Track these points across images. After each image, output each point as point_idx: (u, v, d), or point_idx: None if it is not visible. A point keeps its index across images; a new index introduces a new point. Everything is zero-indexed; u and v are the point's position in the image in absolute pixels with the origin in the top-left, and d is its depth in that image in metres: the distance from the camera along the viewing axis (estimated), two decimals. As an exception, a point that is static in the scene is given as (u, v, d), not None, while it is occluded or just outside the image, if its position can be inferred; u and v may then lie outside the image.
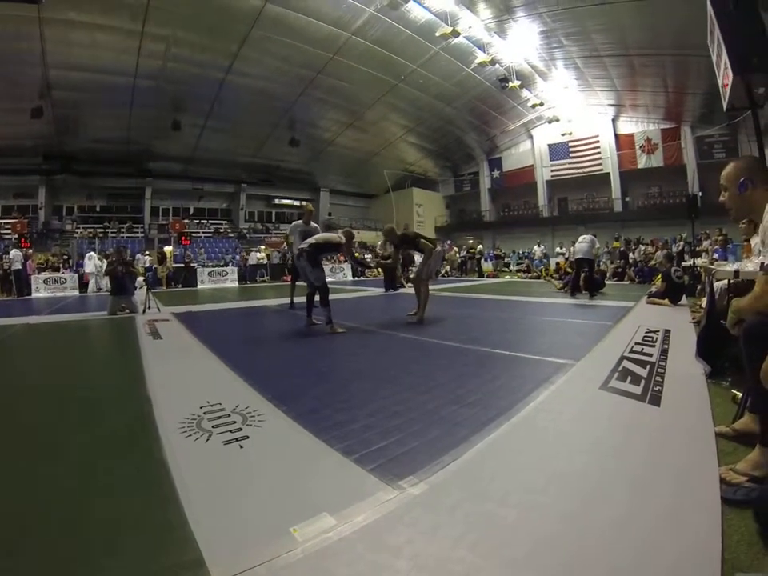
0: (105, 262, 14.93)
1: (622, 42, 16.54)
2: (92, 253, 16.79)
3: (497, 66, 19.74)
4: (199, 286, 18.04)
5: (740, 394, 2.34)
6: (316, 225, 7.91)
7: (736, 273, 3.24)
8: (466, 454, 1.91)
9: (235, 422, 2.32)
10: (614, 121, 24.18)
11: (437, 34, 17.20)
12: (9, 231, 19.63)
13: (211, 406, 2.59)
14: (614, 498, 1.56)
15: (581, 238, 9.54)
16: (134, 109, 19.65)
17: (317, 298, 5.61)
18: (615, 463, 1.84)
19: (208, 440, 2.12)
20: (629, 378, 3.02)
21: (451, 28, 16.67)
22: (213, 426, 2.28)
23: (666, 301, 7.47)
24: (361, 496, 1.58)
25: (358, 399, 2.74)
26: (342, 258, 23.67)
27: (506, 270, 22.06)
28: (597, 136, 24.81)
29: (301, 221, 7.85)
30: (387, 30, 17.24)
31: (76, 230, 23.10)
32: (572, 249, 10.67)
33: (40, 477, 1.85)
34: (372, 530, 1.39)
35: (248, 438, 2.13)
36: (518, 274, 19.37)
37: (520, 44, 18.43)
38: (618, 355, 3.63)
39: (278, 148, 24.85)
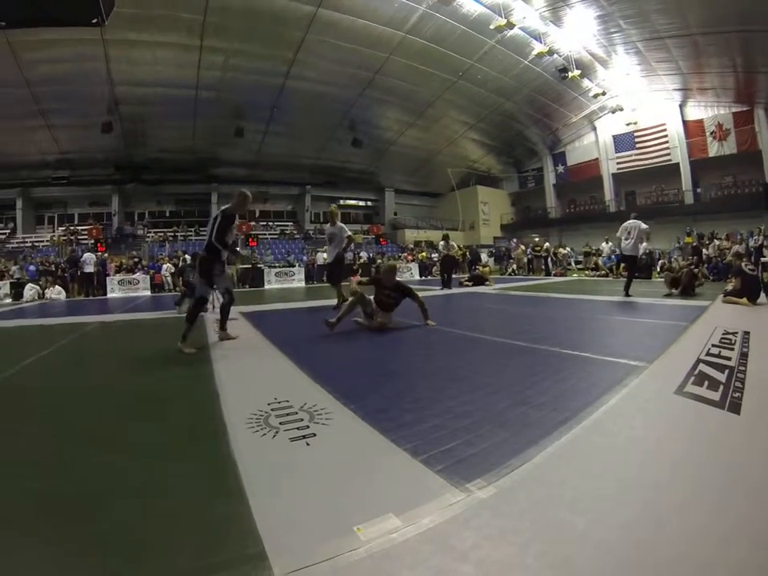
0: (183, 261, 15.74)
1: (683, 20, 15.67)
2: (168, 264, 17.83)
3: (555, 56, 19.26)
4: (266, 286, 18.56)
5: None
6: (341, 225, 7.91)
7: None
8: (536, 458, 1.83)
9: (302, 420, 2.33)
10: (681, 107, 22.74)
11: (491, 27, 17.00)
12: (86, 237, 21.13)
13: (279, 402, 2.61)
14: (687, 510, 1.44)
15: (625, 230, 8.85)
16: (197, 119, 20.73)
17: None
18: (690, 473, 1.70)
19: (275, 436, 2.13)
20: (706, 382, 2.79)
21: (505, 20, 16.43)
22: (280, 423, 2.29)
23: (744, 299, 6.91)
24: (427, 497, 1.54)
25: (425, 399, 2.69)
26: (409, 257, 23.78)
27: (571, 267, 21.19)
28: (663, 124, 23.47)
29: (329, 225, 7.96)
30: (441, 27, 17.18)
31: (147, 235, 24.55)
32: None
33: (109, 466, 1.92)
34: (437, 533, 1.35)
35: (315, 435, 2.13)
36: (586, 272, 18.64)
37: (577, 31, 17.91)
38: (694, 358, 3.38)
39: (341, 149, 25.24)
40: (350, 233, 7.94)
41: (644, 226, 8.84)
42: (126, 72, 17.20)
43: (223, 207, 4.71)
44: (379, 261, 22.72)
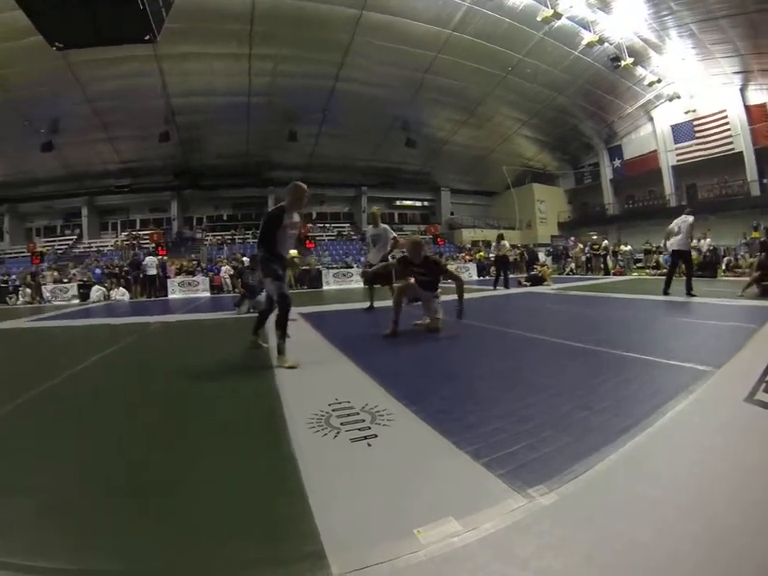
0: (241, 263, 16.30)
1: (737, -3, 14.67)
2: (227, 266, 18.45)
3: (605, 44, 18.63)
4: (324, 287, 18.82)
5: None
6: (385, 226, 7.94)
7: None
8: (599, 465, 1.78)
9: (364, 421, 2.34)
10: (741, 91, 21.33)
11: (538, 19, 16.68)
12: (147, 241, 22.24)
13: (339, 403, 2.63)
14: (757, 523, 1.38)
15: (676, 226, 8.43)
16: (250, 124, 21.42)
17: None
18: (761, 486, 1.61)
19: (336, 437, 2.15)
20: (779, 390, 2.64)
21: (552, 10, 16.11)
22: (341, 423, 2.31)
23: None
24: (489, 502, 1.53)
25: (486, 401, 2.67)
26: (466, 257, 23.59)
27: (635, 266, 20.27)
28: (724, 110, 22.06)
29: (371, 226, 8.00)
30: (487, 22, 16.97)
31: (205, 238, 25.60)
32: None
33: (171, 462, 2.02)
34: (498, 539, 1.33)
35: (376, 436, 2.14)
36: (647, 271, 17.87)
37: (627, 17, 17.25)
38: (765, 363, 3.18)
39: (395, 150, 25.37)
40: (394, 234, 7.90)
41: (690, 218, 8.37)
42: (180, 83, 18.07)
43: (277, 205, 4.20)
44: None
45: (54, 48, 5.72)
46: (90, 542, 1.42)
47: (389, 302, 5.51)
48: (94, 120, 19.50)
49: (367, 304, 8.01)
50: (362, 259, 21.94)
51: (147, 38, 5.67)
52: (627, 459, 1.85)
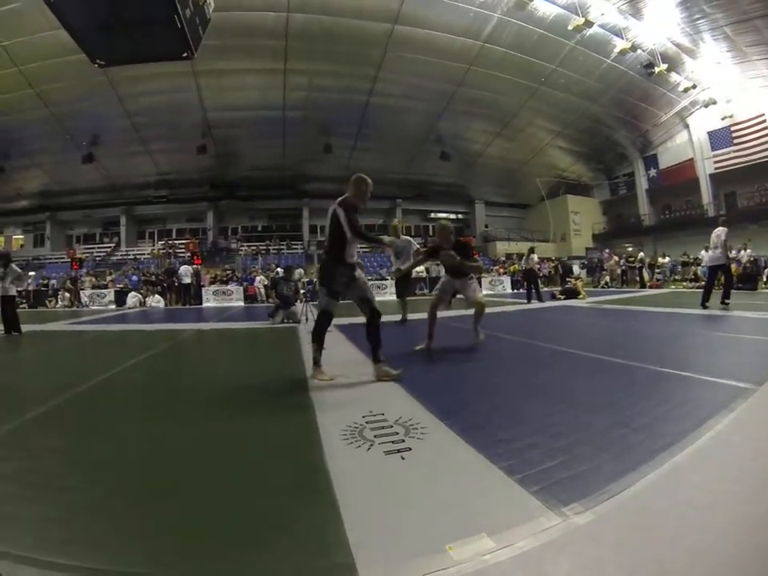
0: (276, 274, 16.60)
1: (771, -4, 14.22)
2: (261, 276, 18.76)
3: (638, 51, 18.33)
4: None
5: None
6: (408, 238, 8.16)
7: None
8: (636, 485, 1.74)
9: (398, 434, 2.33)
10: (780, 93, 20.50)
11: (569, 28, 16.55)
12: (183, 250, 22.86)
13: (373, 415, 2.64)
14: None
15: (712, 241, 8.41)
16: (286, 137, 21.94)
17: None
18: None
19: (369, 449, 2.15)
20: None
21: (583, 19, 15.94)
22: (375, 436, 2.31)
23: None
24: (522, 519, 1.51)
25: (521, 416, 2.64)
26: (500, 270, 23.39)
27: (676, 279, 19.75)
28: (763, 115, 21.30)
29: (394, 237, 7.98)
30: (518, 33, 16.96)
31: (240, 248, 26.10)
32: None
33: (202, 470, 2.06)
34: (531, 558, 1.32)
35: (410, 449, 2.13)
36: (684, 283, 17.36)
37: (659, 22, 16.96)
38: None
39: (429, 163, 25.49)
40: (417, 246, 7.89)
41: (720, 230, 8.32)
42: (217, 98, 18.66)
43: (338, 199, 3.87)
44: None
45: (96, 65, 5.95)
46: (118, 545, 1.46)
47: (422, 315, 5.54)
48: (133, 133, 20.33)
49: (399, 317, 8.07)
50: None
51: (185, 54, 5.82)
52: (665, 479, 1.81)
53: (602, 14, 16.45)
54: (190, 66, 15.36)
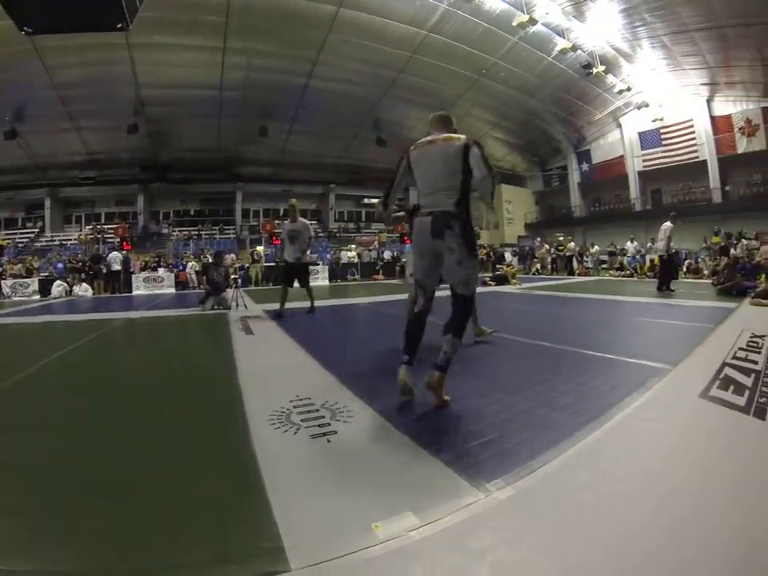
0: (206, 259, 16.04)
1: (711, 12, 15.18)
2: (193, 262, 18.17)
3: (579, 51, 18.92)
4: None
5: None
6: (305, 221, 7.32)
7: None
8: (555, 460, 1.81)
9: (324, 417, 2.35)
10: (708, 102, 21.99)
11: (514, 24, 16.81)
12: (112, 235, 21.63)
13: (300, 400, 2.64)
14: (711, 517, 1.42)
15: (659, 234, 9.40)
16: (222, 119, 21.05)
17: None
18: (713, 480, 1.67)
19: (296, 433, 2.16)
20: (731, 387, 2.72)
21: (528, 16, 16.23)
22: (302, 420, 2.32)
23: (774, 302, 6.71)
24: (446, 497, 1.54)
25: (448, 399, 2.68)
26: None
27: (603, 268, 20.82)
28: (690, 120, 22.75)
29: (288, 221, 7.20)
30: (463, 24, 17.07)
31: (172, 233, 25.07)
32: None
33: (130, 460, 1.98)
34: (455, 533, 1.35)
35: (336, 433, 2.15)
36: (611, 272, 18.34)
37: (601, 26, 17.56)
38: (720, 361, 3.30)
39: (365, 148, 25.28)
40: (312, 234, 7.46)
41: (666, 224, 9.30)
42: (152, 74, 17.59)
43: (464, 137, 2.82)
44: (404, 259, 22.85)
45: (23, 32, 5.47)
46: (41, 542, 1.38)
47: (364, 299, 5.37)
48: (61, 108, 18.80)
49: (308, 304, 7.50)
50: (328, 257, 21.80)
51: (120, 26, 5.46)
52: (584, 455, 1.88)
53: (547, 13, 16.86)
54: (124, 38, 14.44)
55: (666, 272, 9.60)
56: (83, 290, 15.53)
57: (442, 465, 1.79)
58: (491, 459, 1.84)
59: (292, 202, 7.27)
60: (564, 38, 18.03)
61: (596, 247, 20.47)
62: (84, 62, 16.19)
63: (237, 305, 8.42)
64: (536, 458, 1.82)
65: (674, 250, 9.86)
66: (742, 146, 21.23)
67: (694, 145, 22.85)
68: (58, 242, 22.98)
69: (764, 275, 7.66)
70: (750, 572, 1.18)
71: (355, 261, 22.07)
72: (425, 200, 2.69)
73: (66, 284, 15.87)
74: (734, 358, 3.43)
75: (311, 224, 28.16)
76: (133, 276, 17.35)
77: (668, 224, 9.28)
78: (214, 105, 19.91)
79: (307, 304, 7.41)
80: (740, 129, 21.11)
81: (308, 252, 7.45)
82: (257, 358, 3.92)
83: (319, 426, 2.24)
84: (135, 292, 16.77)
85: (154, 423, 2.45)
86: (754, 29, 15.28)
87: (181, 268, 18.38)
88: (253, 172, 25.89)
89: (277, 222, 23.55)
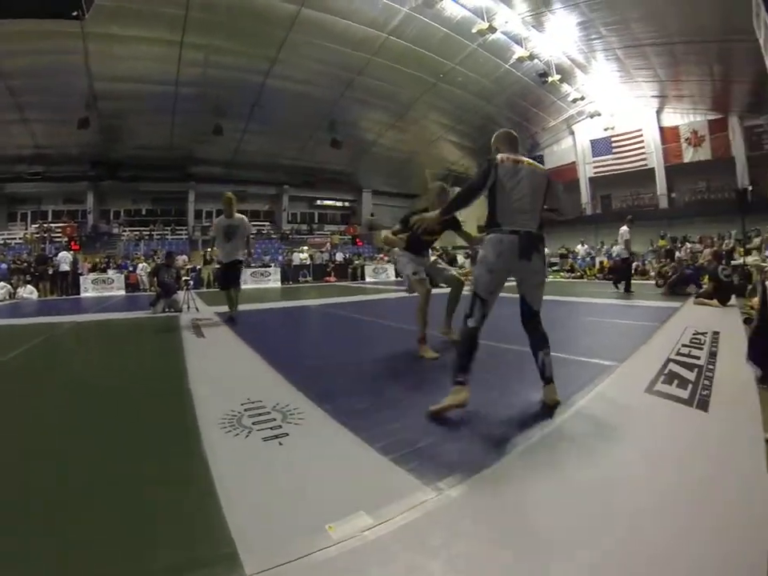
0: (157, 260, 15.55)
1: (663, 29, 15.87)
2: (144, 263, 17.60)
3: (535, 60, 19.35)
4: (242, 286, 18.00)
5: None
6: (242, 217, 6.68)
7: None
8: (506, 457, 1.87)
9: (275, 420, 2.34)
10: (657, 113, 23.06)
11: (473, 31, 17.02)
12: (60, 235, 20.64)
13: (252, 403, 2.61)
14: (658, 506, 1.49)
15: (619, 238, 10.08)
16: (176, 116, 20.38)
17: None
18: (660, 470, 1.76)
19: (248, 436, 2.14)
20: (675, 381, 2.89)
21: (488, 24, 16.46)
22: (253, 423, 2.30)
23: (715, 301, 7.11)
24: (399, 496, 1.56)
25: (397, 398, 2.72)
26: (385, 258, 23.72)
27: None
28: (640, 130, 23.78)
29: (222, 216, 6.63)
30: (424, 29, 17.17)
31: (123, 233, 24.07)
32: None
33: (80, 465, 1.91)
34: (409, 531, 1.37)
35: (288, 435, 2.14)
36: (561, 273, 18.89)
37: (558, 37, 18.01)
38: (665, 357, 3.49)
39: (320, 150, 24.99)
40: (252, 231, 6.93)
41: (622, 228, 10.09)
42: (106, 67, 16.81)
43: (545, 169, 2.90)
44: (357, 261, 22.92)
45: None
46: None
47: (318, 301, 5.29)
48: (8, 98, 17.71)
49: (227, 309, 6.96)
50: (280, 258, 21.60)
51: (75, 13, 5.21)
52: (534, 450, 1.94)
53: (506, 22, 17.16)
54: (79, 26, 13.72)
55: (628, 274, 10.04)
56: (28, 292, 14.81)
57: (393, 465, 1.81)
58: (442, 457, 1.86)
59: (228, 194, 6.67)
60: (522, 46, 18.44)
61: (546, 250, 20.98)
62: (35, 50, 15.26)
63: (188, 307, 8.29)
64: (487, 455, 1.87)
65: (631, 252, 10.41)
66: (688, 155, 22.37)
67: (643, 153, 23.89)
68: (1, 241, 21.70)
69: (707, 276, 8.09)
70: (693, 558, 1.24)
71: (307, 262, 22.01)
72: (508, 218, 2.61)
73: (9, 286, 15.05)
74: (678, 354, 3.63)
75: (264, 225, 27.76)
76: (81, 277, 16.68)
77: (625, 228, 9.86)
78: (169, 101, 19.26)
79: (260, 306, 7.23)
80: (687, 139, 22.25)
81: (252, 252, 7.13)
82: (208, 362, 3.87)
83: (271, 428, 2.23)
84: (83, 294, 16.16)
85: (101, 431, 2.37)
86: (703, 46, 16.09)
87: (131, 269, 17.82)
88: (206, 171, 25.21)
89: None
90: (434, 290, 4.00)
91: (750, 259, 10.11)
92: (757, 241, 13.94)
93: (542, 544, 1.31)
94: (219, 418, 2.37)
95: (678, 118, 22.60)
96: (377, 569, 1.21)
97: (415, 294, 4.30)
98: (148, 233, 24.34)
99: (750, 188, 14.89)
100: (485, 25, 16.47)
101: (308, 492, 1.63)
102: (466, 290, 2.99)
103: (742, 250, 11.12)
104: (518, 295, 2.70)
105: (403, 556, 1.25)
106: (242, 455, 1.95)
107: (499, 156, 2.68)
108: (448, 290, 4.57)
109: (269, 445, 2.04)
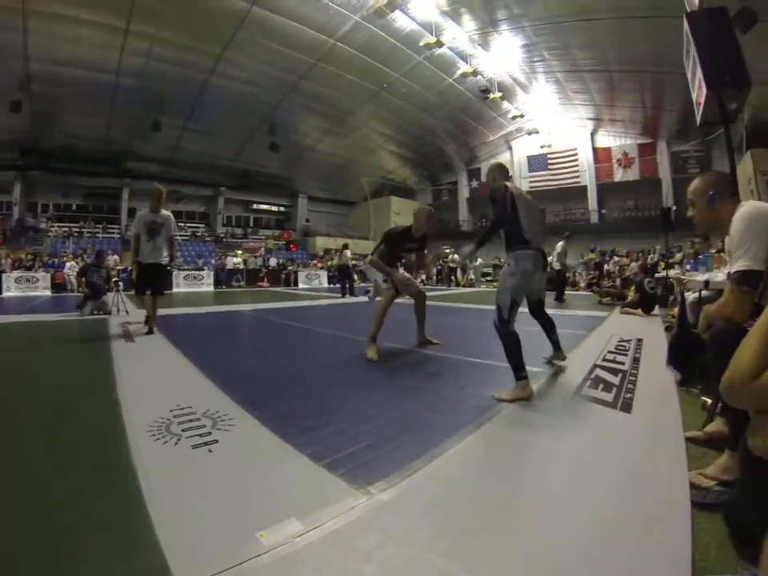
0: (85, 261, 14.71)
1: (602, 58, 16.92)
2: (72, 262, 16.68)
3: (479, 77, 20.00)
4: (174, 290, 17.39)
5: (710, 401, 2.37)
6: (168, 214, 5.91)
7: (706, 283, 3.30)
8: (436, 460, 1.90)
9: (205, 426, 2.29)
10: (592, 134, 24.66)
11: (421, 44, 17.38)
12: (-20, 228, 19.05)
13: (181, 409, 2.55)
14: (584, 504, 1.57)
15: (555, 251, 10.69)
16: (114, 107, 19.34)
17: None
18: (586, 469, 1.86)
19: (177, 444, 2.08)
20: (601, 385, 3.07)
21: (435, 38, 16.83)
22: (182, 430, 2.24)
23: (639, 311, 7.59)
24: (329, 501, 1.56)
25: (329, 404, 2.72)
26: (318, 264, 23.69)
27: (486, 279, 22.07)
28: (575, 149, 25.28)
29: (146, 210, 5.86)
30: (372, 38, 17.31)
31: (51, 229, 22.51)
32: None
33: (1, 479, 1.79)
34: (341, 536, 1.37)
35: (217, 442, 2.10)
36: (494, 284, 19.48)
37: (502, 56, 18.72)
38: (591, 363, 3.69)
39: (258, 152, 24.60)
40: (176, 233, 6.25)
41: (559, 244, 10.98)
42: (45, 48, 15.60)
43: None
44: (290, 267, 22.74)
45: None
46: None
47: (254, 305, 5.19)
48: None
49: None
50: (213, 261, 21.11)
51: None
52: (464, 453, 1.99)
53: (454, 38, 17.62)
54: (21, 1, 13.11)
55: (562, 284, 10.60)
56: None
57: (323, 470, 1.81)
58: (373, 462, 1.88)
59: (158, 186, 5.93)
60: (467, 62, 19.02)
61: (479, 260, 21.55)
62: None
63: (118, 310, 7.97)
64: (417, 458, 1.90)
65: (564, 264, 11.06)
66: (618, 175, 24.09)
67: (577, 171, 25.42)
68: None
69: (633, 287, 8.64)
70: (618, 554, 1.31)
71: (241, 267, 21.64)
72: (533, 237, 3.15)
73: None
74: (604, 360, 3.86)
75: (199, 228, 26.75)
76: (3, 275, 15.52)
77: (562, 243, 10.75)
78: (108, 91, 18.24)
79: (196, 310, 6.80)
80: (618, 160, 23.93)
81: (176, 256, 6.55)
82: (137, 367, 3.71)
83: (200, 435, 2.18)
84: (5, 293, 15.10)
85: (20, 442, 2.22)
86: (637, 76, 17.32)
87: (58, 268, 16.77)
88: (142, 168, 24.04)
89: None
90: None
91: (672, 273, 10.87)
92: (678, 256, 15.03)
93: (477, 544, 1.34)
94: (148, 426, 2.28)
95: (610, 139, 24.30)
96: (310, 574, 1.21)
97: (378, 299, 4.62)
98: (78, 230, 22.98)
99: (674, 208, 15.95)
100: (432, 39, 16.84)
101: (238, 500, 1.60)
102: (472, 305, 3.19)
103: (664, 264, 11.93)
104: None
105: (336, 561, 1.26)
106: (171, 463, 1.89)
107: (505, 183, 3.25)
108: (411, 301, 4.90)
109: (198, 452, 1.99)
